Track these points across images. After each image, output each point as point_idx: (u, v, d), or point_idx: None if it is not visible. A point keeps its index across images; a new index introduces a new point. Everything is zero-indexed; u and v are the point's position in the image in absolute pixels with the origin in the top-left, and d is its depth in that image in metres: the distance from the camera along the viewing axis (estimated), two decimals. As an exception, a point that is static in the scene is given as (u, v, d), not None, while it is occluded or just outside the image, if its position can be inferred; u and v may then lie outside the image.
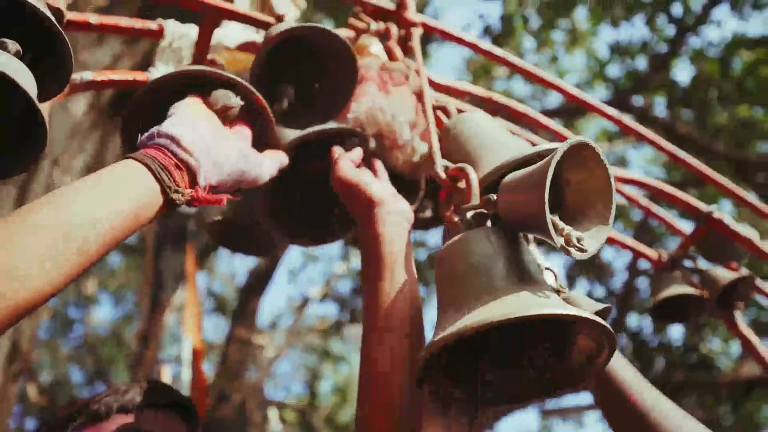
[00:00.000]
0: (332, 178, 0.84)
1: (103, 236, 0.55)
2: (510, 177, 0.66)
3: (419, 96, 0.99)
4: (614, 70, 6.22)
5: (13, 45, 0.60)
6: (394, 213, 0.80)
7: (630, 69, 5.95)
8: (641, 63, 5.88)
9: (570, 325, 0.63)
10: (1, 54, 0.58)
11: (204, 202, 0.65)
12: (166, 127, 0.65)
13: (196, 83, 0.76)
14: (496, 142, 0.83)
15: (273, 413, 5.88)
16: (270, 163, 0.77)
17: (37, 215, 0.52)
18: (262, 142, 0.80)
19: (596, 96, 6.23)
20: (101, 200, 0.56)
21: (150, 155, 0.62)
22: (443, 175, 0.79)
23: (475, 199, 0.72)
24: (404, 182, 1.04)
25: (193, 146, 0.64)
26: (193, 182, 0.64)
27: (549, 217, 0.59)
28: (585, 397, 6.51)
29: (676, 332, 6.56)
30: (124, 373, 9.12)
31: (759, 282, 1.25)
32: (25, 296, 0.49)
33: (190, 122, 0.67)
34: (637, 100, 5.87)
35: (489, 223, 0.71)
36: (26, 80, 0.58)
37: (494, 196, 0.68)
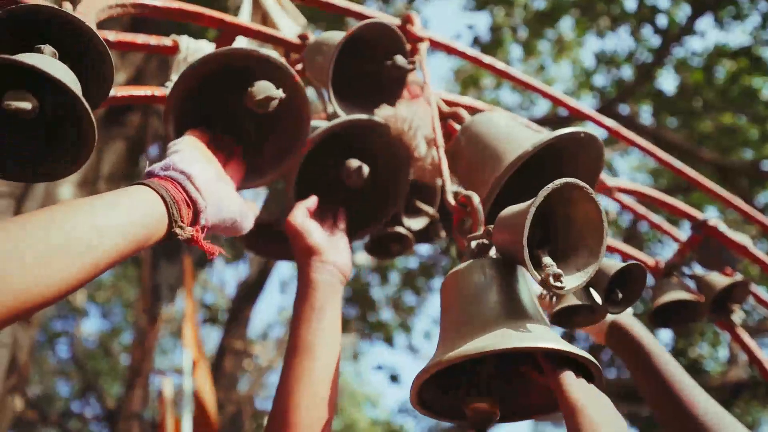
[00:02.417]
0: (285, 222, 0.89)
1: (113, 252, 0.55)
2: (503, 212, 0.69)
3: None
4: (600, 80, 6.33)
5: (47, 49, 0.62)
6: (330, 263, 0.86)
7: (616, 78, 6.06)
8: (627, 72, 5.99)
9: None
10: (50, 59, 0.60)
11: (198, 244, 0.66)
12: (180, 162, 0.68)
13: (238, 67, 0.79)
14: (512, 140, 0.84)
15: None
16: (251, 217, 0.81)
17: (59, 218, 0.52)
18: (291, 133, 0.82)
19: (584, 105, 6.31)
20: (120, 218, 0.56)
21: (164, 187, 0.64)
22: (453, 202, 0.81)
23: (480, 227, 0.75)
24: (424, 189, 1.07)
25: (203, 185, 0.67)
26: (195, 220, 0.67)
27: (528, 259, 0.62)
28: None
29: (665, 337, 6.64)
30: (114, 384, 9.00)
31: (754, 287, 1.29)
32: (10, 301, 0.46)
33: (199, 162, 0.70)
34: (623, 109, 5.98)
35: (492, 252, 0.73)
36: (71, 80, 0.60)
37: (491, 228, 0.70)
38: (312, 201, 0.91)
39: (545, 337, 0.62)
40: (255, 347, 7.27)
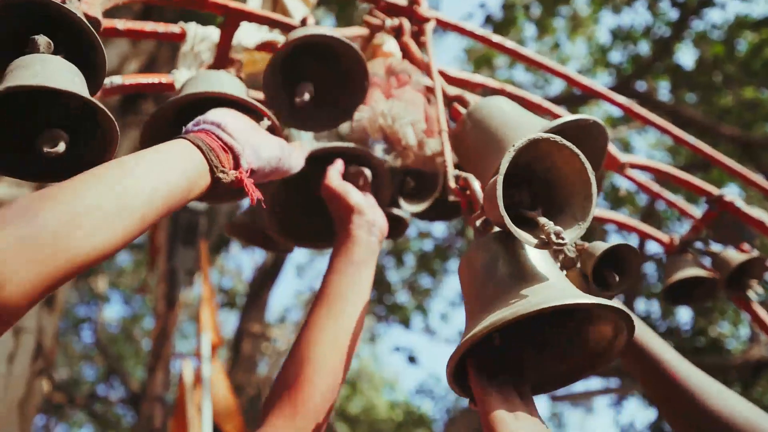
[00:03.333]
0: (321, 185, 0.91)
1: (160, 206, 0.57)
2: (486, 186, 0.68)
3: (427, 91, 1.01)
4: (616, 56, 6.21)
5: (41, 39, 0.62)
6: (369, 221, 0.88)
7: (632, 54, 5.93)
8: (644, 48, 5.86)
9: (586, 312, 0.64)
10: (50, 61, 0.60)
11: (245, 185, 0.67)
12: (210, 115, 0.70)
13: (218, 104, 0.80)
14: (517, 125, 0.83)
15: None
16: (298, 155, 0.82)
17: (105, 176, 0.54)
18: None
19: (599, 82, 6.22)
20: (161, 172, 0.58)
21: (199, 137, 0.65)
22: (453, 185, 0.81)
23: (480, 207, 0.74)
24: (424, 177, 1.06)
25: (236, 132, 0.69)
26: (236, 165, 0.68)
27: (510, 224, 0.61)
28: (594, 383, 6.55)
29: (684, 316, 6.58)
30: (137, 368, 9.22)
31: (771, 263, 1.28)
32: (85, 250, 0.49)
33: (229, 115, 0.72)
34: (641, 85, 5.86)
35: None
36: (80, 84, 0.60)
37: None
38: (339, 164, 0.93)
39: (567, 294, 0.61)
40: (273, 331, 7.37)
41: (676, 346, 6.08)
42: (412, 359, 7.68)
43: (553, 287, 0.63)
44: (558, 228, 0.62)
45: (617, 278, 0.73)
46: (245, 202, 1.19)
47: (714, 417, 0.77)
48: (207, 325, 3.19)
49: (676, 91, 5.89)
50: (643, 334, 0.87)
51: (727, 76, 5.38)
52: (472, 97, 0.99)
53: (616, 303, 0.61)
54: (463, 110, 0.95)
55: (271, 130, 0.83)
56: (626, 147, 6.89)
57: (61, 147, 0.58)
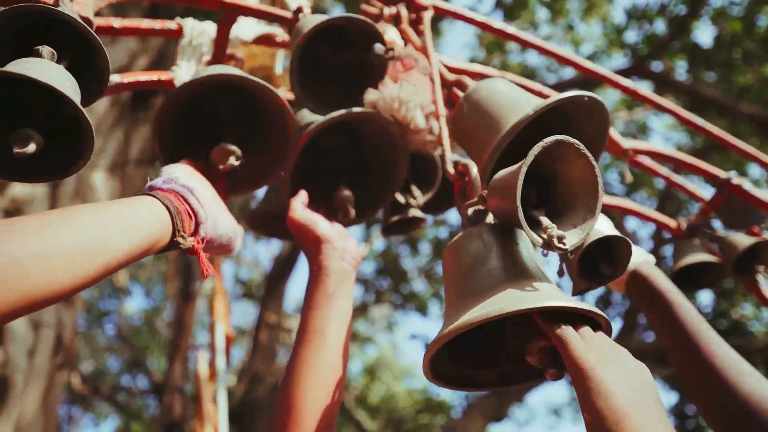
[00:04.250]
0: (286, 219, 0.89)
1: (121, 259, 0.58)
2: (496, 176, 0.68)
3: (432, 76, 1.00)
4: (632, 36, 6.09)
5: (45, 50, 0.63)
6: (340, 249, 0.86)
7: (648, 33, 5.80)
8: (660, 27, 5.73)
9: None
10: (48, 64, 0.61)
11: (198, 255, 0.68)
12: (181, 178, 0.70)
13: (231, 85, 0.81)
14: (514, 105, 0.82)
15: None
16: (241, 240, 0.82)
17: (76, 222, 0.54)
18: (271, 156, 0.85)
19: (614, 64, 6.12)
20: (128, 227, 0.59)
21: (168, 198, 0.66)
22: (452, 171, 0.80)
23: (477, 195, 0.74)
24: (428, 162, 1.06)
25: (203, 200, 0.70)
26: (195, 232, 0.69)
27: (524, 221, 0.61)
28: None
29: (705, 299, 6.49)
30: (159, 360, 9.40)
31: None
32: (44, 289, 0.50)
33: (197, 180, 0.72)
34: (657, 66, 5.74)
35: (490, 218, 0.73)
36: (72, 90, 0.61)
37: (485, 193, 0.69)
38: (303, 195, 0.91)
39: (550, 295, 0.61)
40: (291, 321, 7.45)
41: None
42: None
43: (544, 287, 0.63)
44: (561, 233, 0.62)
45: (609, 269, 0.71)
46: (260, 192, 1.20)
47: (741, 399, 0.75)
48: (221, 317, 3.22)
49: (693, 70, 5.76)
50: (684, 311, 0.84)
51: (746, 54, 5.24)
52: (471, 82, 0.98)
53: (590, 306, 0.60)
54: (462, 94, 0.94)
55: (281, 112, 0.83)
56: (643, 129, 6.77)
57: (31, 148, 0.58)
